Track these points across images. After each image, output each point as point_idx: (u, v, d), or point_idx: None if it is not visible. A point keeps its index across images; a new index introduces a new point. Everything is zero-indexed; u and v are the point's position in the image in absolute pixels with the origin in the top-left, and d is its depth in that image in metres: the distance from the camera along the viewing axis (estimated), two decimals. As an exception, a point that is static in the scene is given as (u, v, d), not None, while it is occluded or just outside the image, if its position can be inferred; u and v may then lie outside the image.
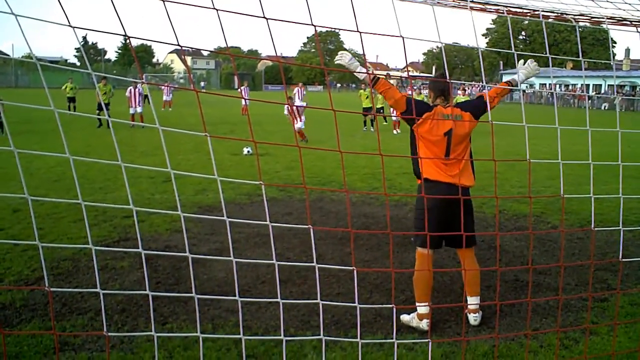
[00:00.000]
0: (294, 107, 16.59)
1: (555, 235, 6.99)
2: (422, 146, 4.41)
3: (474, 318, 4.52)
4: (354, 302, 2.93)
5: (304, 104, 17.33)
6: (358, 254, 6.27)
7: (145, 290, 2.61)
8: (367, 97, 22.14)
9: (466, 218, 4.21)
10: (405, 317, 4.58)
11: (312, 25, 2.30)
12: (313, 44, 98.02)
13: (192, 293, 2.46)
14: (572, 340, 4.24)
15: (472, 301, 4.52)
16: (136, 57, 2.55)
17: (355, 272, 2.79)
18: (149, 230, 6.88)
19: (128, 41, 2.24)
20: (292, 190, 9.41)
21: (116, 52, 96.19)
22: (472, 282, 4.55)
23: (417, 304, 4.43)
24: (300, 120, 17.27)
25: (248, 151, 13.79)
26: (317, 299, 2.66)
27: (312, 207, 8.52)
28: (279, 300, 2.72)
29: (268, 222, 2.39)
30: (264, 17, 2.20)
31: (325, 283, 5.29)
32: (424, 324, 4.41)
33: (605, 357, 3.93)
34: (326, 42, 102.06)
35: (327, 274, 5.47)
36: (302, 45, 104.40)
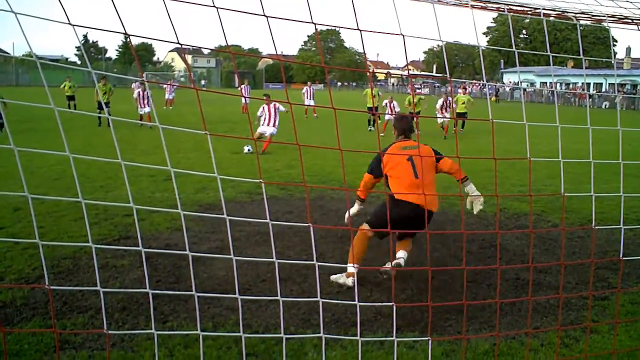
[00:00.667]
0: (271, 111, 14.98)
1: (556, 234, 6.99)
2: (393, 177, 5.25)
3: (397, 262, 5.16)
4: (354, 301, 2.93)
5: (284, 109, 15.68)
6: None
7: (146, 288, 2.61)
8: (374, 96, 22.20)
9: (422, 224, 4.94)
10: (333, 277, 5.26)
11: (313, 23, 2.29)
12: (314, 42, 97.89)
13: (192, 291, 2.46)
14: (572, 338, 4.24)
15: (400, 255, 5.29)
16: (136, 55, 2.55)
17: (355, 270, 2.79)
18: (150, 228, 6.88)
19: (128, 39, 2.24)
20: (293, 189, 9.41)
21: (117, 50, 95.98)
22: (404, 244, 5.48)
23: (348, 264, 5.14)
24: (274, 126, 15.04)
25: (248, 149, 13.77)
26: (317, 297, 2.66)
27: (312, 205, 8.52)
28: (279, 298, 2.71)
29: (268, 221, 2.39)
30: (264, 15, 2.19)
31: (326, 282, 5.28)
32: (350, 281, 5.15)
33: (606, 356, 3.93)
34: (327, 40, 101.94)
35: (328, 273, 5.46)
36: (303, 43, 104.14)
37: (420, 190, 4.94)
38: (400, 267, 5.12)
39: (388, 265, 5.16)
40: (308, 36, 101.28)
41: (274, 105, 15.06)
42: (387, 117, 20.20)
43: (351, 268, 5.10)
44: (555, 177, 10.93)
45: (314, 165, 11.67)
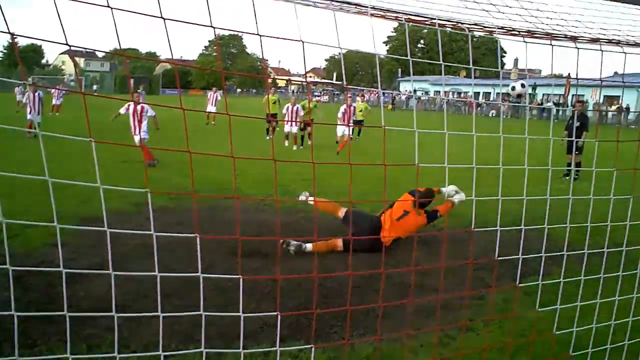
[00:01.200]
0: (136, 114, 13.80)
1: (440, 237, 7.25)
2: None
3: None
4: (239, 312, 2.85)
5: (153, 112, 14.32)
6: (249, 262, 6.18)
7: (14, 310, 2.41)
8: (274, 103, 21.36)
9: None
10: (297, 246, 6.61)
11: (212, 27, 2.21)
12: (215, 47, 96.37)
13: (63, 311, 2.30)
14: (450, 337, 4.39)
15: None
16: (20, 58, 2.35)
17: (241, 280, 2.72)
18: (23, 245, 6.41)
19: (13, 40, 2.06)
20: (185, 199, 9.16)
21: (1, 51, 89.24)
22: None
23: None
24: (140, 130, 13.93)
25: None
26: (200, 311, 2.57)
27: (204, 215, 8.33)
28: (159, 314, 2.60)
29: (152, 232, 2.27)
30: (162, 17, 2.09)
31: (213, 294, 5.16)
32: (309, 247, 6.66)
33: (480, 352, 4.09)
34: (228, 45, 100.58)
35: (216, 285, 5.33)
36: (204, 48, 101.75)
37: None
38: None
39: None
40: (209, 41, 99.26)
41: (142, 107, 13.86)
42: (287, 127, 19.39)
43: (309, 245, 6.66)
44: (442, 182, 11.36)
45: (208, 174, 11.38)
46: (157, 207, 8.68)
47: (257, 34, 2.27)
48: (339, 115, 19.40)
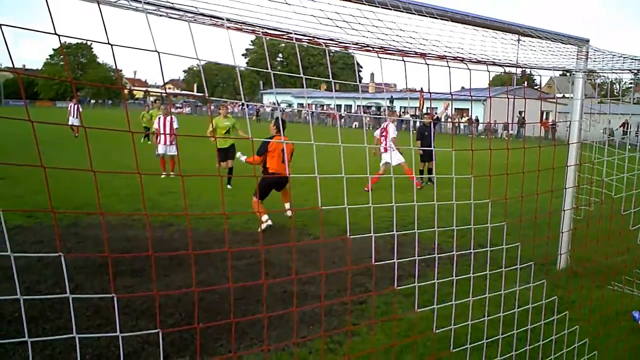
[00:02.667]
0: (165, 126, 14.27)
1: (318, 246, 7.38)
2: (269, 157, 8.61)
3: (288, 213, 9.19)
4: (117, 332, 2.68)
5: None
6: (120, 280, 5.87)
7: None
8: (151, 118, 19.52)
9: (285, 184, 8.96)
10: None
11: (56, 34, 2.04)
12: (62, 56, 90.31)
13: None
14: (337, 343, 4.47)
15: (287, 206, 9.28)
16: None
17: (115, 299, 2.55)
18: None
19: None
20: (42, 216, 8.49)
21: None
22: (285, 195, 9.21)
23: (260, 216, 8.40)
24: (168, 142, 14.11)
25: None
26: (73, 334, 2.37)
27: (66, 233, 7.77)
28: (26, 339, 2.37)
29: (9, 253, 2.06)
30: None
31: (85, 315, 4.82)
32: (266, 220, 8.45)
33: (367, 355, 4.21)
34: (77, 54, 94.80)
35: (87, 305, 5.00)
36: (49, 57, 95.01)
37: (283, 166, 8.47)
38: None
39: (289, 213, 9.23)
40: (54, 49, 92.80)
41: (171, 119, 14.61)
42: (161, 147, 14.64)
43: (263, 217, 8.45)
44: (315, 192, 11.61)
45: (66, 190, 10.59)
46: (12, 225, 7.96)
47: (108, 43, 2.17)
48: (377, 135, 14.62)
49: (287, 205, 9.24)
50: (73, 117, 26.03)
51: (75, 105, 27.02)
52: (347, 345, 4.38)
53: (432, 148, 13.51)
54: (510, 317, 3.65)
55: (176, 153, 14.32)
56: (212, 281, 5.90)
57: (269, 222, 8.43)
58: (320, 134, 35.60)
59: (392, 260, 3.45)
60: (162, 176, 13.62)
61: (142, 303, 5.16)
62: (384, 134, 13.79)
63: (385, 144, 13.34)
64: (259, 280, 5.91)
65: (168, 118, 14.72)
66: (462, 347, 3.37)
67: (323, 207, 3.07)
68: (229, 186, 12.39)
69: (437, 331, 3.56)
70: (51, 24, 1.98)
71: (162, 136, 14.51)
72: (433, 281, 3.27)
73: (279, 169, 8.55)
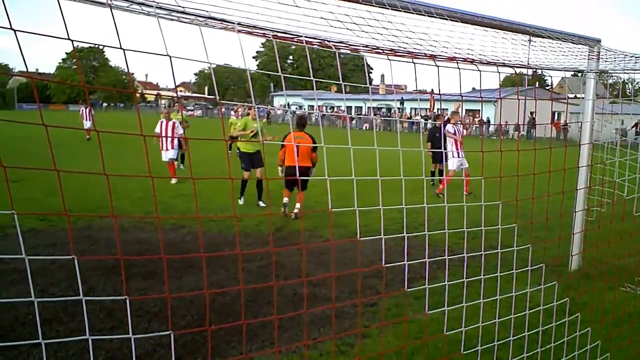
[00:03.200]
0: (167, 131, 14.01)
1: (328, 248, 7.39)
2: (286, 152, 9.58)
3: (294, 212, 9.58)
4: (129, 334, 2.70)
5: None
6: (133, 283, 5.91)
7: None
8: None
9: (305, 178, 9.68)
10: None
11: (69, 39, 2.06)
12: (74, 60, 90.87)
13: None
14: (348, 345, 4.47)
15: (297, 206, 9.58)
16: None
17: (128, 301, 2.57)
18: None
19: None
20: (55, 219, 8.57)
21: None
22: (299, 195, 9.62)
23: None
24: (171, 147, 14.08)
25: None
26: (86, 335, 2.39)
27: (79, 235, 7.85)
28: (40, 341, 2.40)
29: (24, 256, 2.09)
30: (12, 29, 1.92)
31: (98, 317, 4.87)
32: (284, 201, 9.60)
33: (377, 357, 4.21)
34: (89, 58, 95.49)
35: (100, 307, 5.05)
36: (62, 61, 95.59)
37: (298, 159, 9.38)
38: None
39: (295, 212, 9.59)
40: (67, 53, 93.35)
41: (173, 124, 14.21)
42: (164, 154, 14.27)
43: (285, 198, 9.62)
44: (325, 194, 11.62)
45: (80, 193, 10.70)
46: (27, 229, 8.04)
47: (121, 48, 2.19)
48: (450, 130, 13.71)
49: (297, 206, 9.55)
50: (86, 120, 26.42)
51: (87, 109, 27.28)
52: (357, 347, 4.38)
53: (441, 150, 13.47)
54: (522, 319, 3.64)
55: (174, 157, 14.22)
56: (223, 283, 5.93)
57: (284, 201, 9.56)
58: (331, 136, 35.62)
59: (403, 262, 3.45)
60: (173, 182, 13.25)
61: (154, 305, 5.19)
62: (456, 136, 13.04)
63: (456, 147, 12.68)
64: (269, 282, 5.93)
65: (170, 123, 14.28)
66: (473, 349, 3.37)
67: (333, 210, 3.08)
68: (261, 203, 10.84)
69: (447, 333, 3.56)
70: (64, 29, 2.01)
71: (165, 141, 14.03)
72: (444, 283, 3.27)
73: (293, 163, 9.35)
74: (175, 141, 14.13)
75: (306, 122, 10.30)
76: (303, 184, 9.76)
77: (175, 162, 14.15)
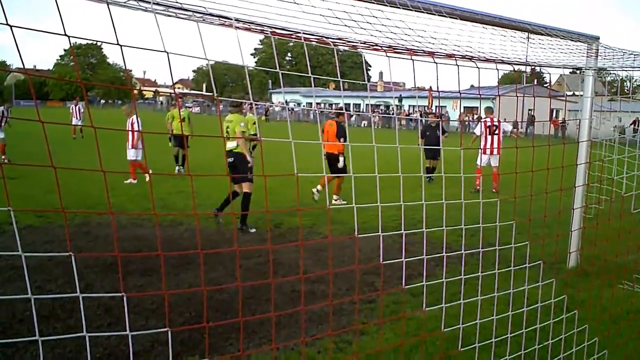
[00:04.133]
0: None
1: (326, 245, 7.38)
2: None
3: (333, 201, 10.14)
4: (126, 331, 2.70)
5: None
6: (131, 280, 5.91)
7: None
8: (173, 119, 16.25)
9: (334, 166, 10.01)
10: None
11: (67, 36, 2.05)
12: (72, 57, 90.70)
13: None
14: (345, 342, 4.48)
15: (334, 197, 10.08)
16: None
17: (125, 298, 2.57)
18: None
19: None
20: (53, 216, 8.55)
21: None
22: (335, 186, 10.51)
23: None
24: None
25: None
26: (83, 333, 2.39)
27: (77, 232, 7.83)
28: (37, 338, 2.39)
29: (21, 253, 2.08)
30: (7, 24, 1.91)
31: (95, 314, 4.87)
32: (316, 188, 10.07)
33: (375, 354, 4.21)
34: (87, 55, 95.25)
35: (97, 304, 5.04)
36: (59, 57, 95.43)
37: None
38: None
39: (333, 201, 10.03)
40: (64, 50, 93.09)
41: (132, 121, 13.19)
42: (130, 153, 13.38)
43: (318, 186, 10.12)
44: (323, 191, 11.62)
45: (78, 190, 10.66)
46: (24, 225, 8.03)
47: (118, 44, 2.18)
48: (477, 132, 13.14)
49: (334, 197, 10.26)
50: (76, 118, 25.77)
51: (77, 106, 26.31)
52: (355, 344, 4.38)
53: (434, 146, 13.48)
54: (519, 316, 3.64)
55: (139, 158, 13.04)
56: (221, 280, 5.92)
57: (316, 189, 10.10)
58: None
59: (401, 259, 3.45)
60: (126, 182, 12.41)
61: (152, 302, 5.19)
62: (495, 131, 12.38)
63: (489, 143, 11.93)
64: (267, 279, 5.93)
65: (129, 120, 13.36)
66: (470, 346, 3.37)
67: (332, 207, 3.08)
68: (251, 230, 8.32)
69: (445, 330, 3.56)
70: (61, 25, 2.00)
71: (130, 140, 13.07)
72: (442, 280, 3.27)
73: (326, 148, 10.28)
74: (138, 143, 12.87)
75: (340, 114, 11.37)
76: (334, 170, 10.13)
77: (139, 162, 12.98)
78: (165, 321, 4.75)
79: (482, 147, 12.11)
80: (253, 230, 8.35)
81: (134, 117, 13.31)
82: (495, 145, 11.99)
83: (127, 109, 14.52)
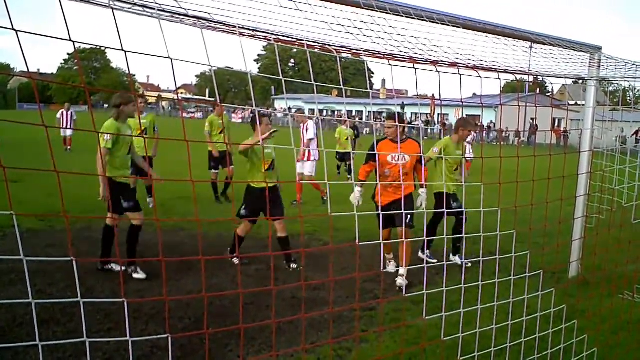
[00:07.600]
0: None
1: (327, 252, 7.38)
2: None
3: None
4: (127, 337, 2.70)
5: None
6: (131, 285, 5.92)
7: None
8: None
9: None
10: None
11: (71, 40, 2.07)
12: (75, 61, 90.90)
13: None
14: (345, 349, 4.47)
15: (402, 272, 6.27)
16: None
17: (125, 303, 2.57)
18: None
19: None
20: (54, 220, 8.56)
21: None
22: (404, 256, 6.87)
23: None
24: None
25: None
26: (83, 338, 2.40)
27: (79, 237, 7.84)
28: (37, 342, 2.40)
29: (22, 257, 2.09)
30: (13, 29, 1.92)
31: (95, 319, 4.87)
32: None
33: (374, 363, 4.21)
34: (91, 59, 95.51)
35: (98, 309, 5.04)
36: (63, 62, 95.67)
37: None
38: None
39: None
40: (68, 54, 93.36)
41: None
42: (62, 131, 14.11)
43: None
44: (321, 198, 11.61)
45: (80, 194, 10.64)
46: (25, 229, 8.04)
47: (122, 50, 2.20)
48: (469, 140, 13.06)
49: (401, 272, 6.25)
50: (67, 124, 21.82)
51: (68, 113, 22.31)
52: (355, 351, 4.38)
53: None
54: (519, 325, 3.64)
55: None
56: (222, 286, 5.92)
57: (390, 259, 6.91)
58: (332, 140, 35.58)
59: (401, 267, 3.47)
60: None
61: (152, 307, 5.19)
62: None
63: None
64: (268, 285, 5.93)
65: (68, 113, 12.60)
66: (470, 355, 3.37)
67: (333, 214, 3.09)
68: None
69: (445, 339, 3.55)
70: (66, 30, 2.01)
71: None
72: (442, 289, 3.27)
73: (389, 198, 6.75)
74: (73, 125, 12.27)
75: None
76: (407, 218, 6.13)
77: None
78: (165, 327, 4.76)
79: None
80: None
81: (72, 111, 12.47)
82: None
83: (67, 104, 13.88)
